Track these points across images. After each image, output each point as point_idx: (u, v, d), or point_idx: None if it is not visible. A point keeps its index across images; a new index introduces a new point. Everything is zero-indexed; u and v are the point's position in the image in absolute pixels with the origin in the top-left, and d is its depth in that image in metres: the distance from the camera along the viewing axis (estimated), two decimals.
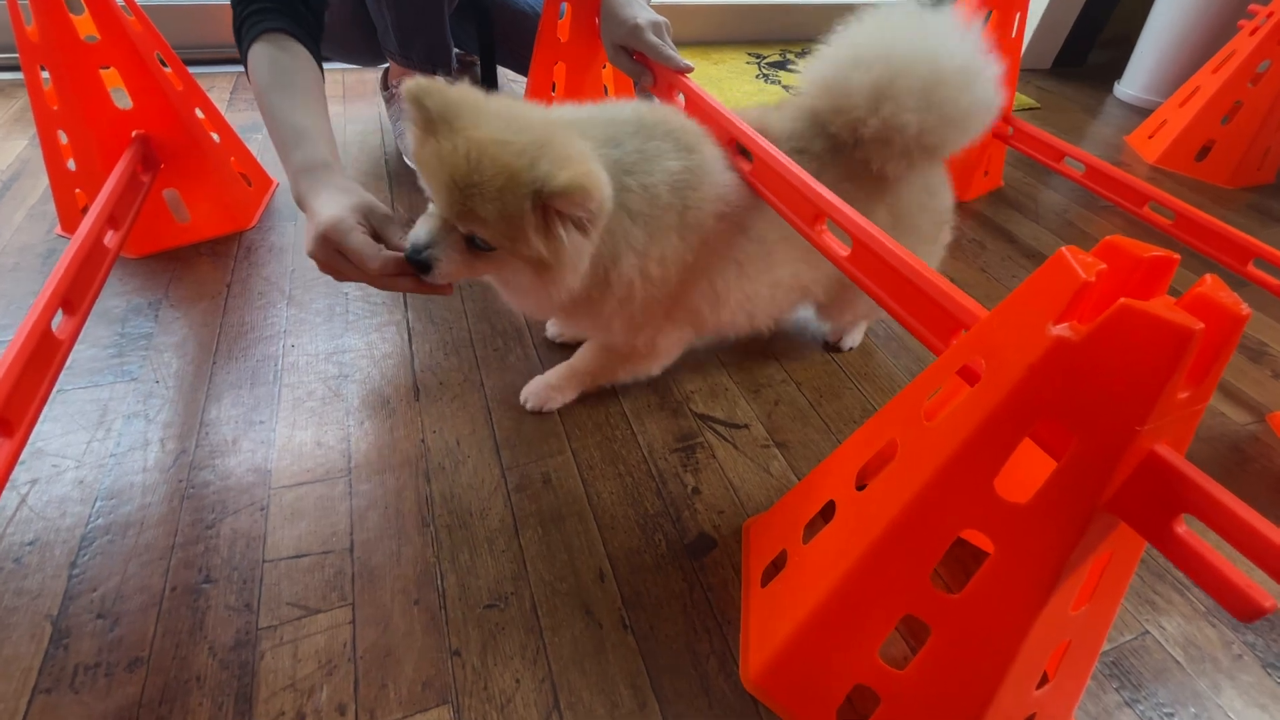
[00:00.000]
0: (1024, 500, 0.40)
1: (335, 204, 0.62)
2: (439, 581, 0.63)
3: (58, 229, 1.02)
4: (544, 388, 0.81)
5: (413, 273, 0.60)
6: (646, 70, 0.86)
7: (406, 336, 0.90)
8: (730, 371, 0.90)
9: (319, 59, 0.79)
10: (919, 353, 0.97)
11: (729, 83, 1.78)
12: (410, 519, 0.68)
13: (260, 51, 0.74)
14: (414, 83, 0.54)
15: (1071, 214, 1.40)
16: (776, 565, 0.62)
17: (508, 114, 0.56)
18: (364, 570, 0.63)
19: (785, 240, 0.72)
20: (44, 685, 0.54)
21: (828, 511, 0.55)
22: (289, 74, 0.74)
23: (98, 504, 0.67)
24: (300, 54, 0.76)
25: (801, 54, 2.04)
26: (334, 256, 0.61)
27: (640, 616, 0.62)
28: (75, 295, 0.68)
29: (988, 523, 0.41)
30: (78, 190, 0.97)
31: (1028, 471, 0.45)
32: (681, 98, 0.81)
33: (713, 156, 0.68)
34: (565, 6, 1.03)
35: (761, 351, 0.94)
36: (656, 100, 0.84)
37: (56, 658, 0.55)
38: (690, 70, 0.81)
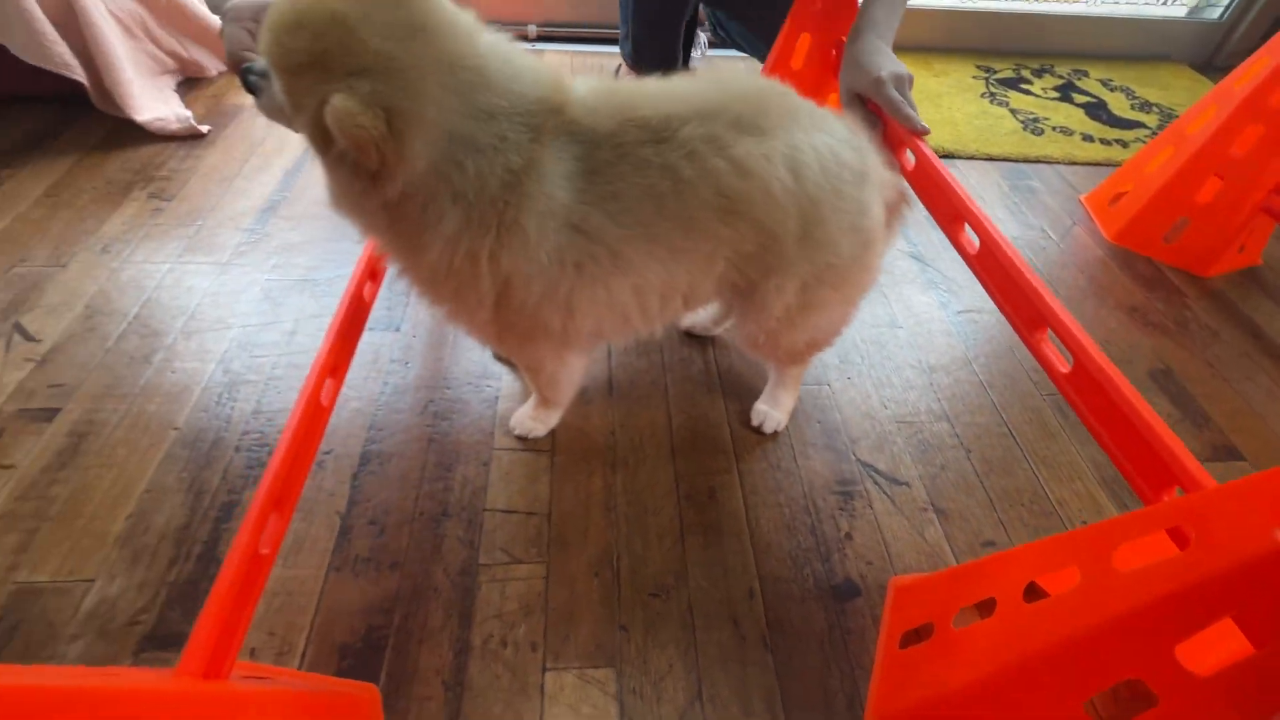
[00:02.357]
0: (1204, 671, 0.41)
1: None
2: (615, 562, 0.75)
3: None
4: (524, 416, 0.86)
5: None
6: (879, 122, 0.88)
7: None
8: (899, 425, 0.92)
9: None
10: None
11: (949, 100, 1.69)
12: (597, 501, 0.81)
13: None
14: None
15: None
16: (919, 634, 0.66)
17: (417, 8, 0.52)
18: (558, 536, 0.77)
19: (637, 239, 0.61)
20: (335, 564, 0.73)
21: (985, 606, 0.58)
22: None
23: (370, 432, 0.86)
24: None
25: (1040, 71, 1.86)
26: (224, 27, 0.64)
27: (780, 640, 0.70)
28: (377, 267, 0.87)
29: (1159, 681, 0.43)
30: None
31: (1219, 635, 0.46)
32: (911, 158, 0.82)
33: (553, 151, 0.59)
34: (805, 36, 1.06)
35: (934, 410, 0.95)
36: None
37: (343, 547, 0.74)
38: (927, 133, 0.82)
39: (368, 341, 0.97)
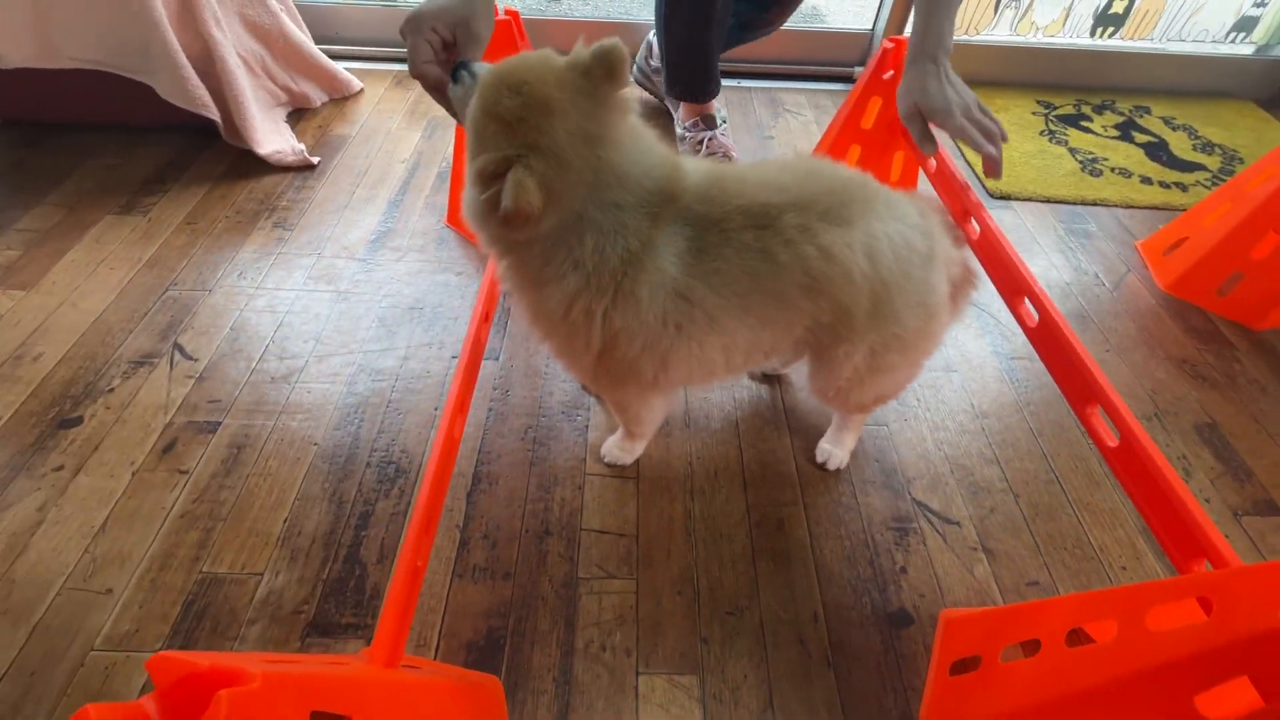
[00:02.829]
0: (1220, 718, 0.50)
1: (434, 3, 0.74)
2: (695, 581, 0.86)
3: (445, 219, 1.39)
4: (612, 446, 0.97)
5: (431, 91, 0.75)
6: (933, 142, 0.96)
7: None
8: (952, 467, 1.00)
9: None
10: None
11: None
12: (678, 526, 0.91)
13: None
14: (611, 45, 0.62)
15: None
16: (966, 664, 0.75)
17: (603, 122, 0.64)
18: (645, 556, 0.88)
19: (733, 307, 0.71)
20: (457, 572, 0.85)
21: (1029, 645, 0.67)
22: None
23: (480, 454, 0.98)
24: None
25: (1101, 107, 1.89)
26: (405, 39, 0.75)
27: (841, 660, 0.80)
28: (490, 309, 0.99)
29: None
30: None
31: (1235, 689, 0.54)
32: (976, 228, 0.90)
33: (668, 233, 0.69)
34: (876, 99, 1.14)
35: (985, 455, 1.02)
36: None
37: (463, 556, 0.87)
38: (997, 152, 0.89)
39: (485, 370, 1.10)
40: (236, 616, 0.80)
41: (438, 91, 0.75)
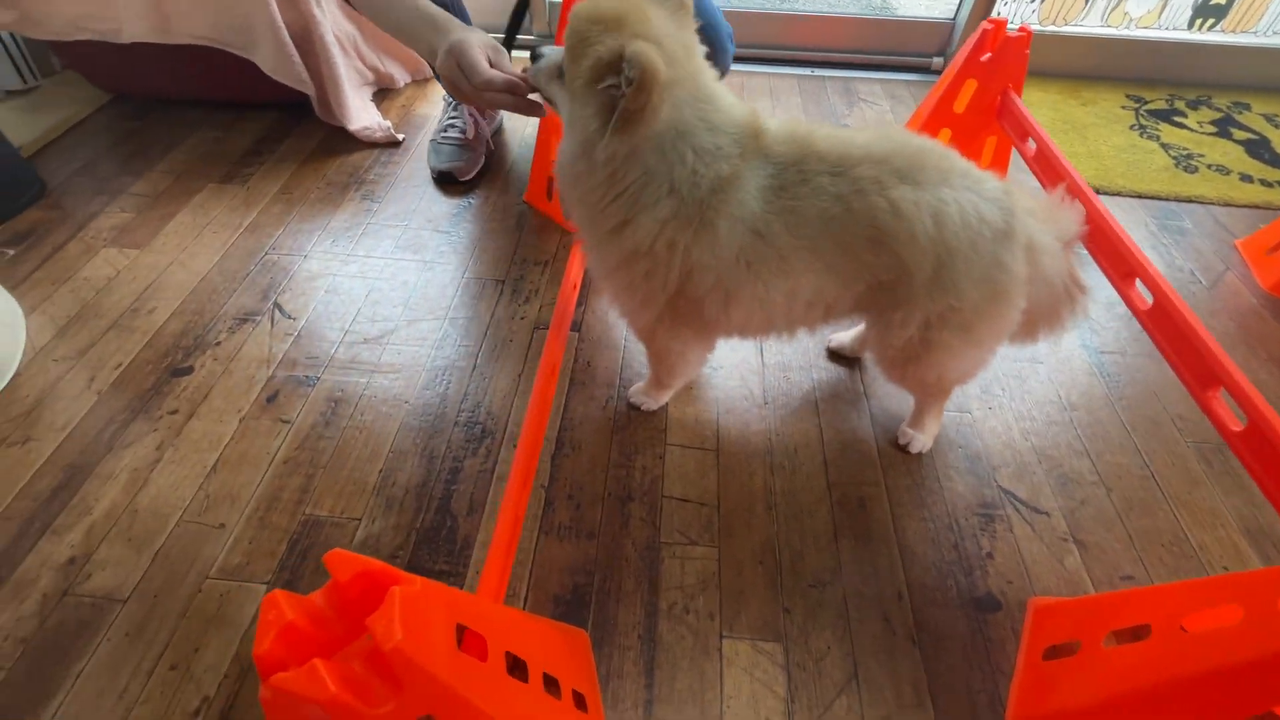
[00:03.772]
0: None
1: (465, 33, 0.82)
2: (777, 554, 0.86)
3: (524, 195, 1.42)
4: (639, 390, 1.01)
5: (514, 92, 0.79)
6: None
7: (759, 349, 1.12)
8: (1039, 457, 0.98)
9: None
10: (1252, 493, 0.95)
11: (1096, 131, 1.68)
12: (759, 498, 0.92)
13: None
14: None
15: None
16: (1059, 650, 0.74)
17: (688, 46, 0.69)
18: (725, 525, 0.89)
19: (803, 249, 0.72)
20: (544, 529, 0.88)
21: (1131, 632, 0.65)
22: None
23: (563, 420, 1.01)
24: None
25: (1195, 103, 1.80)
26: (455, 71, 0.80)
27: (926, 639, 0.79)
28: (579, 276, 1.01)
29: None
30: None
31: None
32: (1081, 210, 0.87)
33: (753, 167, 0.71)
34: (971, 82, 1.11)
35: (1075, 447, 1.00)
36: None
37: (549, 515, 0.89)
38: None
39: (568, 340, 1.12)
40: None
41: (506, 92, 0.80)
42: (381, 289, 1.20)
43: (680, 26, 0.68)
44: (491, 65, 0.82)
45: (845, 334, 1.10)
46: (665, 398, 1.01)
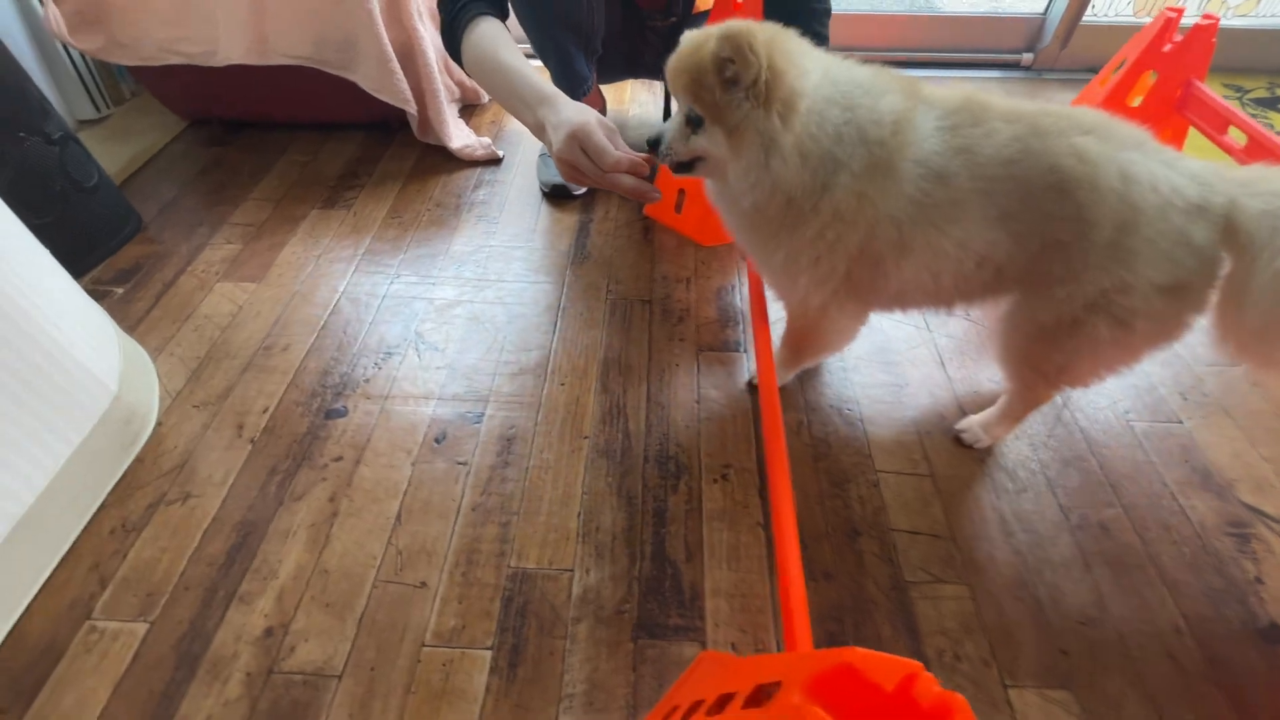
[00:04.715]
0: None
1: (580, 113, 0.78)
2: (1033, 588, 0.79)
3: (644, 207, 1.35)
4: (778, 366, 0.97)
5: (636, 173, 0.76)
6: None
7: (941, 363, 1.06)
8: (1276, 466, 0.92)
9: None
10: None
11: None
12: (993, 527, 0.85)
13: (482, 28, 0.93)
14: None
15: None
16: None
17: (760, 23, 0.68)
18: (967, 558, 0.82)
19: (979, 193, 0.68)
20: (774, 572, 0.80)
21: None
22: (506, 39, 0.93)
23: (756, 450, 0.93)
24: (506, 31, 0.95)
25: None
26: (578, 154, 0.77)
27: (1225, 677, 0.72)
28: (762, 303, 0.94)
29: None
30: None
31: None
32: None
33: (922, 110, 0.69)
34: (1148, 73, 1.06)
35: None
36: None
37: (773, 555, 0.82)
38: None
39: (734, 360, 1.05)
40: (559, 614, 0.76)
41: (624, 175, 0.76)
42: (525, 314, 1.13)
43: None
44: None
45: (975, 418, 0.95)
46: (793, 375, 1.00)
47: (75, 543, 0.82)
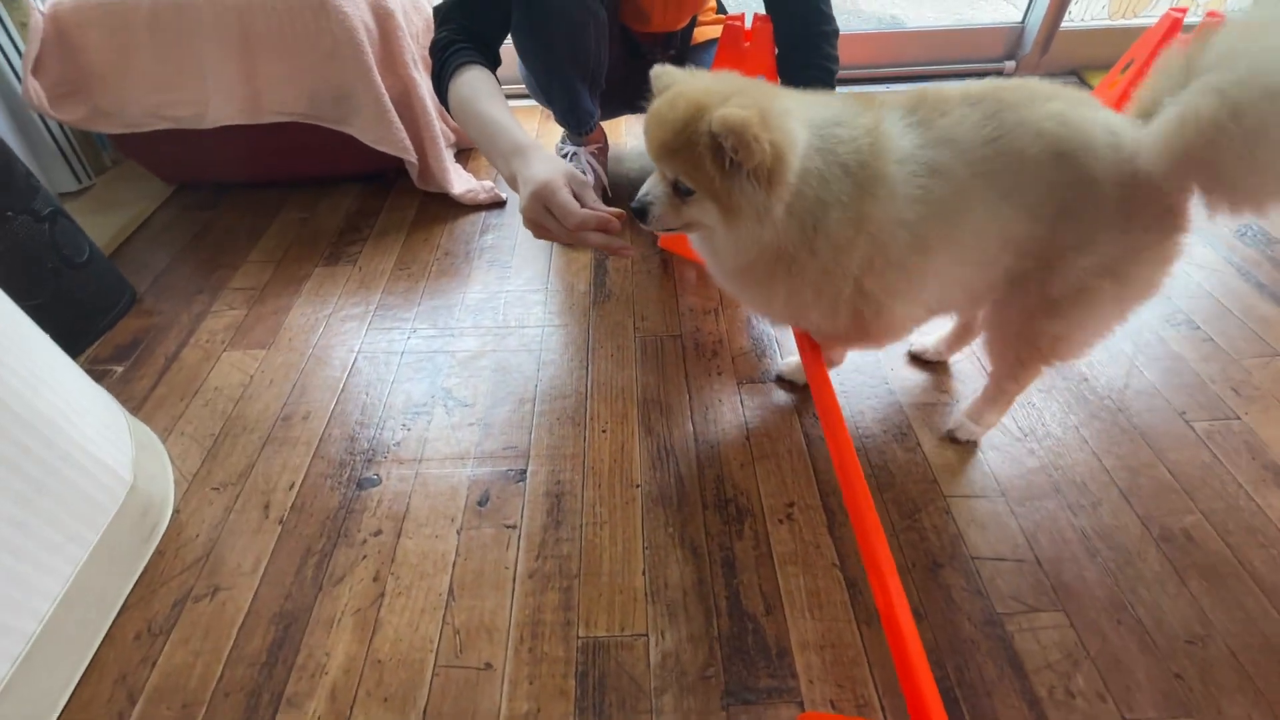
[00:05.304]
0: None
1: (546, 169, 0.75)
2: (1133, 610, 0.75)
3: (659, 241, 1.33)
4: (791, 366, 1.00)
5: (604, 229, 0.73)
6: None
7: None
8: None
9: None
10: None
11: None
12: (1077, 546, 0.81)
13: (467, 76, 0.90)
14: (660, 69, 0.70)
15: None
16: None
17: (728, 77, 0.68)
18: (1057, 583, 0.78)
19: (976, 177, 0.67)
20: (860, 618, 0.75)
21: None
22: (490, 88, 0.90)
23: (818, 484, 0.89)
24: (493, 79, 0.93)
25: None
26: (542, 213, 0.74)
27: None
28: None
29: None
30: None
31: None
32: None
33: (886, 115, 0.69)
34: None
35: None
36: None
37: (857, 599, 0.77)
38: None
39: (775, 391, 1.02)
40: (640, 685, 0.70)
41: (595, 233, 0.73)
42: (553, 360, 1.08)
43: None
44: (577, 198, 0.75)
45: (928, 338, 1.04)
46: (842, 360, 1.01)
47: (98, 653, 0.74)
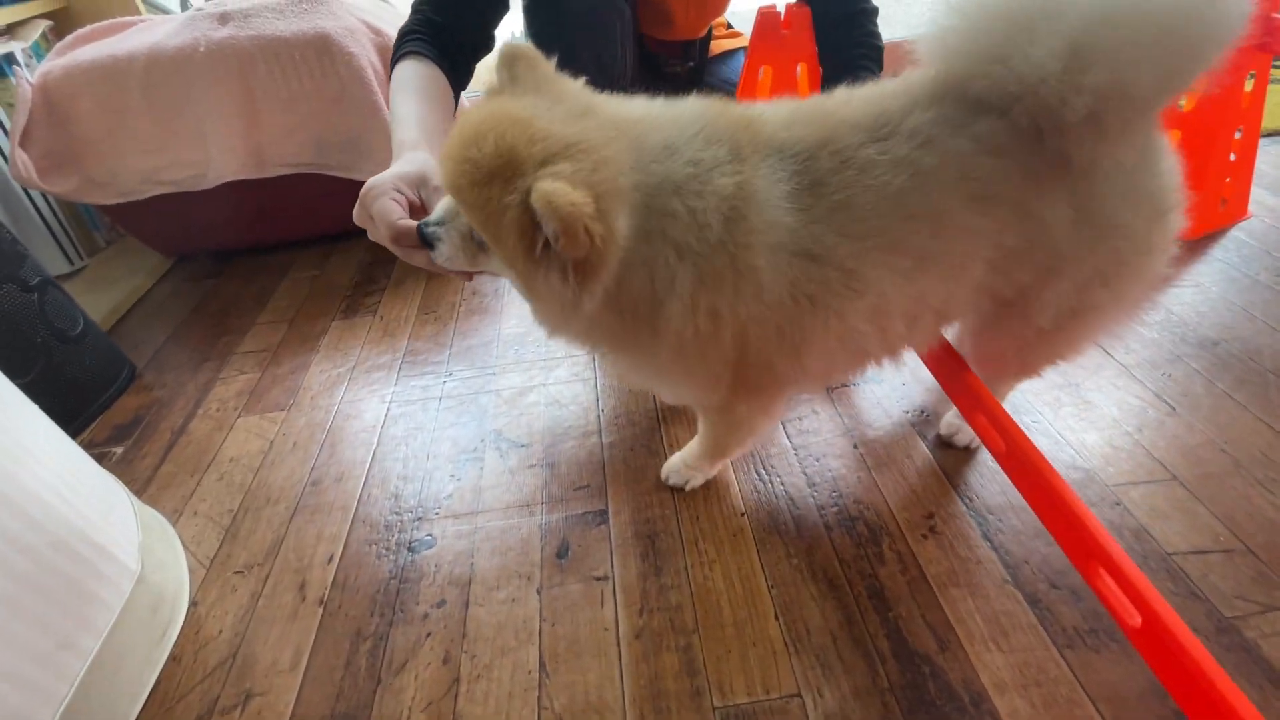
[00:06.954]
0: None
1: (391, 171, 0.62)
2: None
3: None
4: (681, 466, 0.79)
5: (406, 250, 0.57)
6: None
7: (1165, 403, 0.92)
8: None
9: (456, 85, 0.82)
10: None
11: None
12: None
13: (401, 68, 0.79)
14: (512, 43, 0.53)
15: None
16: None
17: (574, 98, 0.51)
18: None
19: (872, 251, 0.53)
20: (1058, 641, 0.60)
21: None
22: (418, 81, 0.77)
23: (967, 486, 0.76)
24: (435, 73, 0.79)
25: None
26: (365, 218, 0.60)
27: None
28: None
29: None
30: None
31: None
32: None
33: (765, 171, 0.53)
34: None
35: None
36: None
37: (1047, 618, 0.62)
38: None
39: (870, 394, 0.89)
40: None
41: (416, 250, 0.58)
42: (613, 385, 0.96)
43: (548, 88, 0.52)
44: (421, 204, 0.61)
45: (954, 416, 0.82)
46: (715, 471, 0.79)
47: None
